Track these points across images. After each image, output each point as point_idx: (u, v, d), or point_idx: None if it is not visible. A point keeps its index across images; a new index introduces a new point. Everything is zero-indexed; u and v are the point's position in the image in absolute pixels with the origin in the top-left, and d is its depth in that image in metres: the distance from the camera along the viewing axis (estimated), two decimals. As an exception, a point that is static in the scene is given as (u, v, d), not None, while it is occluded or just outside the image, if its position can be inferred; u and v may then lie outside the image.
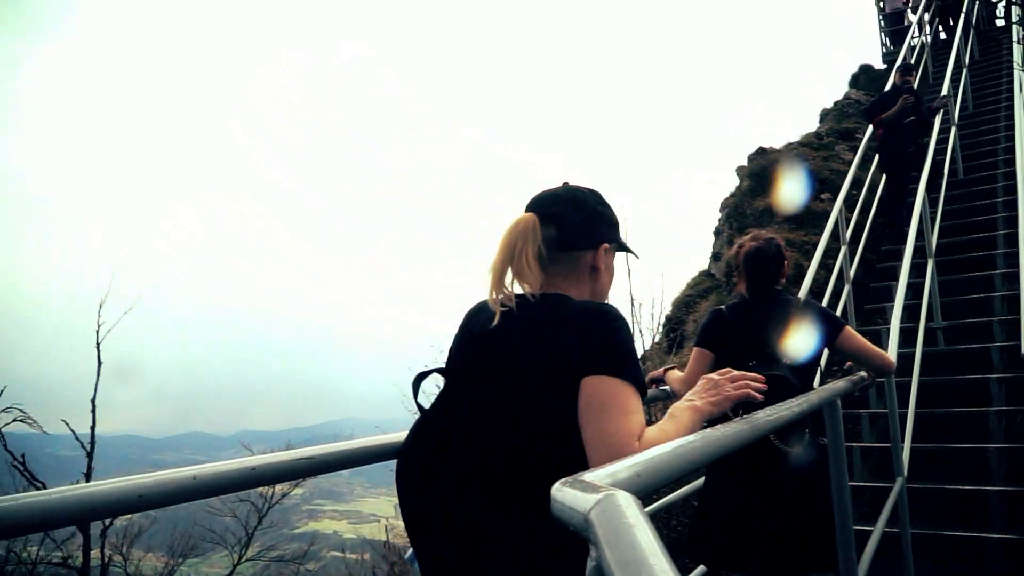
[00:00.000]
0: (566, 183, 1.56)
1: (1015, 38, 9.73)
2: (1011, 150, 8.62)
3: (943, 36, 13.60)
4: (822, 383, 4.15)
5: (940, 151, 8.21)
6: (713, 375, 1.50)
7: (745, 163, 11.14)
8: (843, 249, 6.94)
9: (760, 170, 10.58)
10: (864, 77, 13.91)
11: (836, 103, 12.81)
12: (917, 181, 8.04)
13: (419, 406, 1.46)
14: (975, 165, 8.82)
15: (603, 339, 1.30)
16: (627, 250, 1.62)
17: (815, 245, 9.19)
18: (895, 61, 12.35)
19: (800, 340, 2.82)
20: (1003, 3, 13.26)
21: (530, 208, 1.50)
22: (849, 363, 3.26)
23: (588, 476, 0.76)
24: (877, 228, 8.27)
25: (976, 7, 12.59)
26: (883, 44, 14.53)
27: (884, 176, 8.44)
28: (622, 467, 0.81)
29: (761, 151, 11.10)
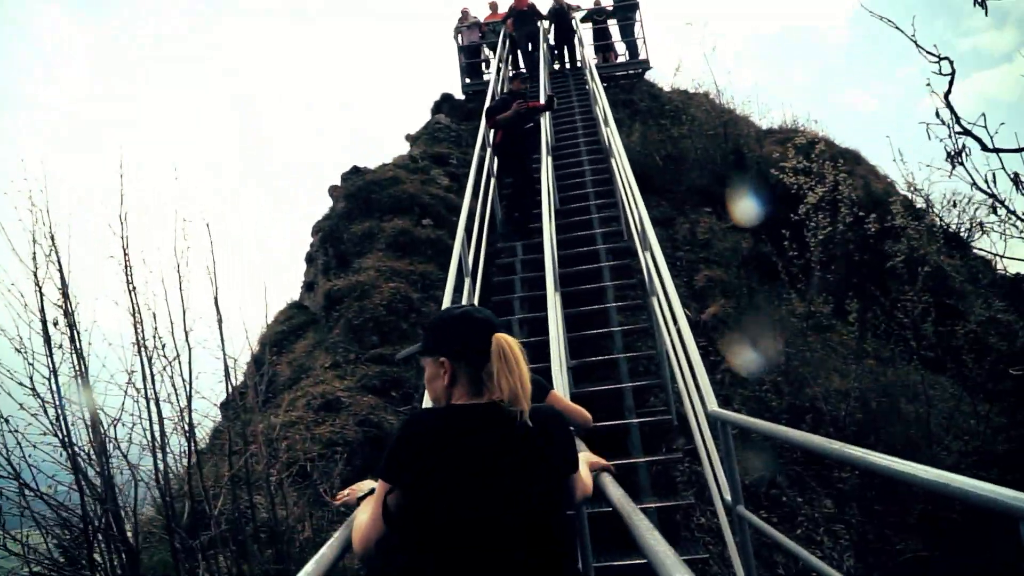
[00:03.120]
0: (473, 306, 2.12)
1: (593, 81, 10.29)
2: (599, 183, 8.88)
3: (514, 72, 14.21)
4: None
5: (538, 180, 8.08)
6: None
7: (339, 183, 9.90)
8: (467, 282, 6.05)
9: (356, 191, 9.44)
10: (447, 105, 13.81)
11: (427, 125, 12.40)
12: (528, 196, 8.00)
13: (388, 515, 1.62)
14: (566, 197, 8.87)
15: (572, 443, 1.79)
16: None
17: (421, 275, 8.40)
18: (481, 92, 12.49)
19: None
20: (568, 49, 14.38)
21: (494, 329, 1.76)
22: None
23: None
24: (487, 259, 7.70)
25: (544, 51, 13.38)
26: (463, 77, 14.70)
27: (507, 183, 8.50)
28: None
29: (356, 170, 10.00)
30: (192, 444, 4.16)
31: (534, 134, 8.34)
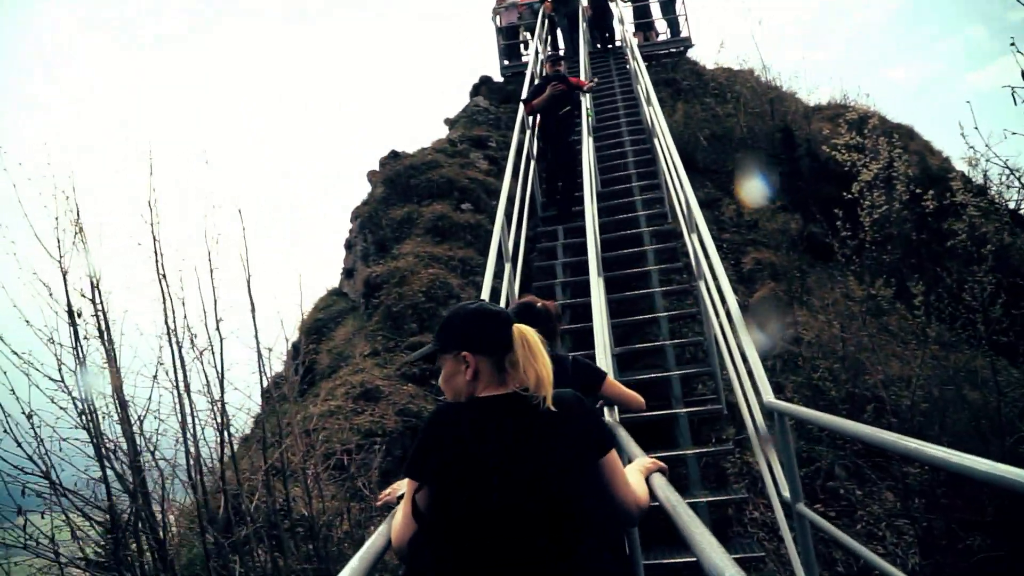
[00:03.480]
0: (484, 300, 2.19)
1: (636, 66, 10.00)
2: (642, 164, 8.62)
3: (551, 53, 13.93)
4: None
5: (578, 162, 7.88)
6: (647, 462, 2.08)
7: (377, 168, 9.81)
8: (507, 268, 5.89)
9: (395, 176, 9.33)
10: (485, 88, 13.61)
11: (465, 108, 12.22)
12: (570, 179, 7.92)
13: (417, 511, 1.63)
14: (608, 179, 8.63)
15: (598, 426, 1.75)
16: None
17: (461, 260, 8.26)
18: (520, 74, 12.25)
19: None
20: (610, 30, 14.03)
21: (511, 320, 1.80)
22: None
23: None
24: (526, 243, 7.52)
25: (583, 30, 13.07)
26: (501, 59, 14.47)
27: (546, 165, 8.42)
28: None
29: (394, 155, 9.89)
30: (226, 436, 4.07)
31: (573, 116, 8.12)
